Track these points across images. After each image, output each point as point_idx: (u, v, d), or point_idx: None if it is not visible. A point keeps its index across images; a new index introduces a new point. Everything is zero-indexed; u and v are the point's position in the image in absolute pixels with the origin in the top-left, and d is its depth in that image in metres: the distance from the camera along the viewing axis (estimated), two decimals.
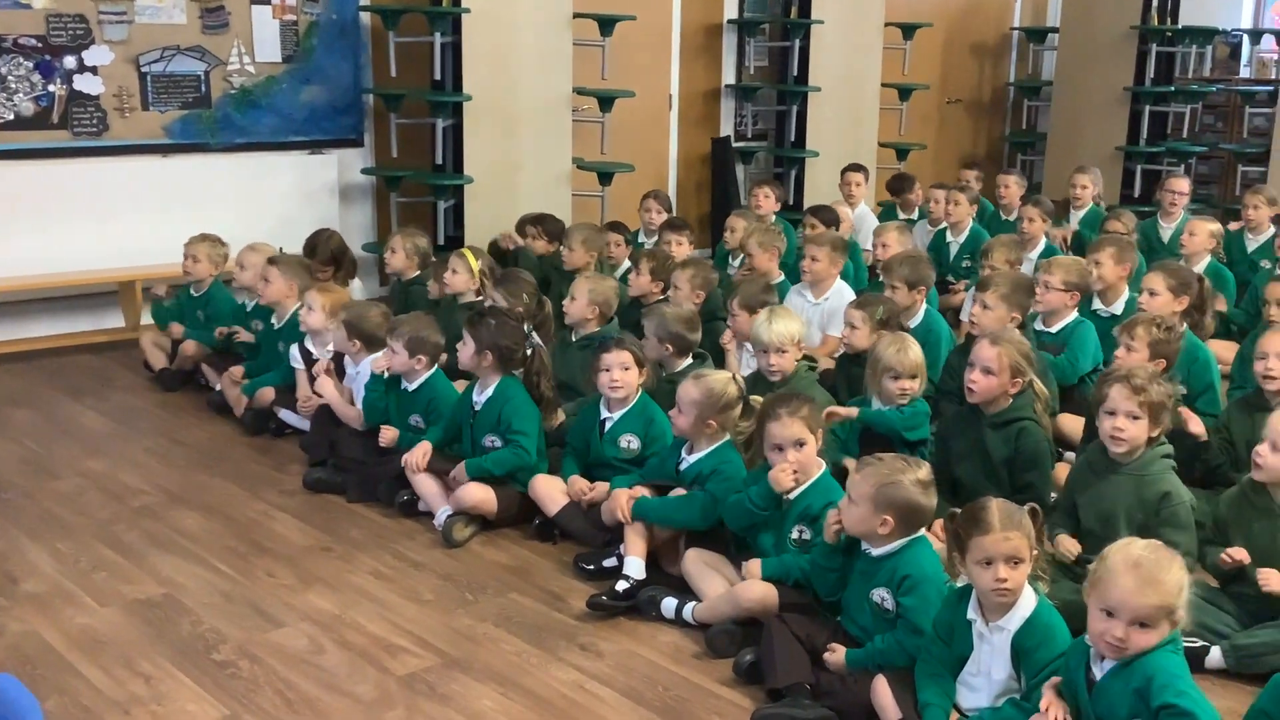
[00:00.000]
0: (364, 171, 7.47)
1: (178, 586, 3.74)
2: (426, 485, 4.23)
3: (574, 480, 4.09)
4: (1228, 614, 3.32)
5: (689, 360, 4.60)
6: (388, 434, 4.45)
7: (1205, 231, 6.36)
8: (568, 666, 3.31)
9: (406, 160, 7.32)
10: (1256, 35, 11.06)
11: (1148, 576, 2.44)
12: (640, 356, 4.19)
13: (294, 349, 5.12)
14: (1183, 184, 7.54)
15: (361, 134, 7.50)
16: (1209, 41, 10.42)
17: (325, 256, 5.97)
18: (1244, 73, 11.04)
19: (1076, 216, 7.72)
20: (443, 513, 4.15)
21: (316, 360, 4.96)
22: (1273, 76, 10.14)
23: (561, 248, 6.21)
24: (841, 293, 5.61)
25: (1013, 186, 8.01)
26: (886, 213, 8.46)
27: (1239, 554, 3.30)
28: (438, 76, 7.16)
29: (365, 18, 7.35)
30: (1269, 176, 8.95)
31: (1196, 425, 4.21)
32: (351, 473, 4.51)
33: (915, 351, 4.12)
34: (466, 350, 4.27)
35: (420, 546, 4.08)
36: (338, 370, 4.88)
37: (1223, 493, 3.60)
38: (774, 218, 7.20)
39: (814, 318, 5.55)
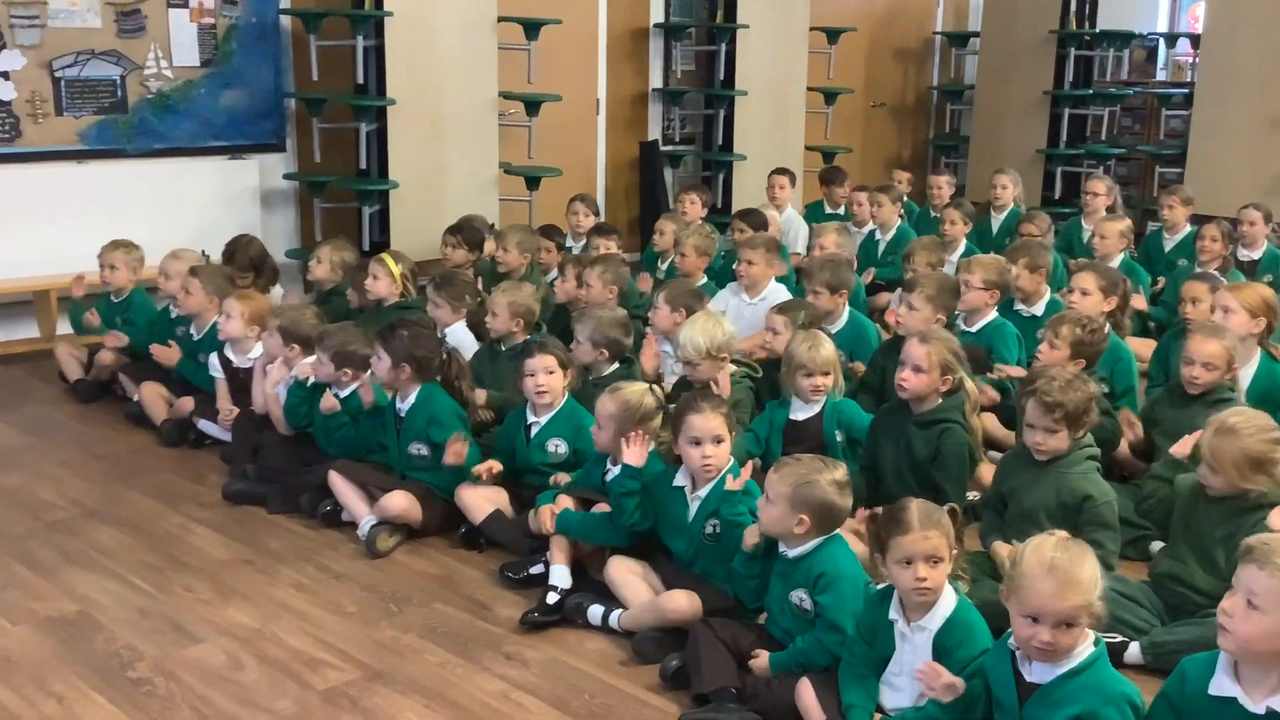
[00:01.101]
0: (286, 177, 7.37)
1: (92, 603, 3.66)
2: (349, 495, 4.17)
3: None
4: (1145, 609, 3.37)
5: (617, 365, 4.59)
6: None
7: (1115, 232, 6.49)
8: (493, 676, 3.27)
9: (330, 165, 7.23)
10: (1172, 39, 11.30)
11: (1065, 578, 2.46)
12: (565, 360, 4.18)
13: (213, 358, 5.03)
14: (1099, 186, 7.70)
15: (283, 139, 7.39)
16: (1126, 45, 10.61)
17: (244, 263, 5.89)
18: (1160, 75, 11.27)
19: (997, 219, 7.83)
20: (366, 522, 4.09)
21: (237, 369, 4.87)
22: (1188, 79, 10.35)
23: (496, 250, 6.16)
24: (778, 294, 5.63)
25: (944, 187, 8.16)
26: (814, 209, 8.53)
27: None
28: (360, 80, 7.08)
29: (285, 21, 7.25)
30: (1185, 177, 9.14)
31: (1135, 430, 4.27)
32: (273, 483, 4.44)
33: (828, 349, 4.16)
34: (383, 365, 4.22)
35: (343, 558, 4.02)
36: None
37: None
38: (700, 222, 7.21)
39: (750, 317, 5.56)
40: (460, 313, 5.03)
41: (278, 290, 6.19)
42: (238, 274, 5.74)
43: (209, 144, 7.09)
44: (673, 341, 4.63)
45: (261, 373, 4.74)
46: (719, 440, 3.43)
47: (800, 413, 4.22)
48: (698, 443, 3.43)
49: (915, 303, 4.78)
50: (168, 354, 5.26)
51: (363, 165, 7.22)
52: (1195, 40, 10.26)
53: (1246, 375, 4.46)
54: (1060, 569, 2.47)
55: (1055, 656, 2.49)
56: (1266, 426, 3.34)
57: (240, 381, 4.93)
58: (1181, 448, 3.55)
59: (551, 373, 4.11)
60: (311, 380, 4.50)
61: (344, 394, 4.44)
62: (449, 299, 5.04)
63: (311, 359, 4.54)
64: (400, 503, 4.07)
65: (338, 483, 4.19)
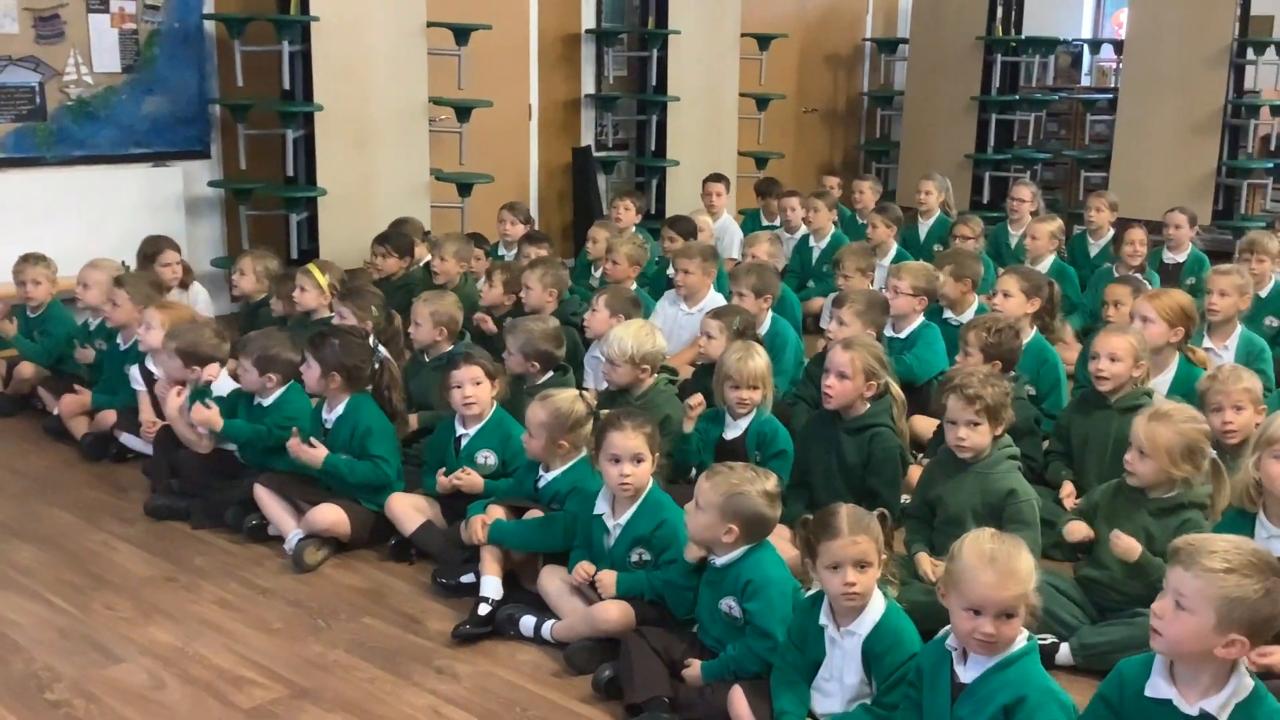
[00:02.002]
0: (211, 184, 7.24)
1: (9, 624, 3.55)
2: (275, 508, 4.10)
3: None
4: (1076, 604, 3.41)
5: (550, 374, 4.55)
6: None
7: (1046, 233, 6.58)
8: (423, 691, 3.23)
9: (256, 172, 7.12)
10: (1096, 45, 11.50)
11: (1004, 569, 2.49)
12: (491, 369, 4.14)
13: (134, 370, 4.91)
14: (1024, 192, 7.81)
15: (208, 145, 7.27)
16: (1051, 51, 10.79)
17: (175, 244, 5.84)
18: (1085, 81, 11.46)
19: (925, 224, 7.92)
20: (294, 536, 4.02)
21: (158, 380, 4.76)
22: (1112, 85, 10.53)
23: (433, 259, 6.11)
24: (716, 302, 5.63)
25: (867, 192, 8.22)
26: (750, 219, 8.57)
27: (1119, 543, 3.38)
28: (287, 86, 6.98)
29: (209, 26, 7.14)
30: (1110, 182, 9.30)
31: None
32: (196, 498, 4.34)
33: (757, 362, 4.10)
34: (312, 373, 4.15)
35: (269, 573, 3.94)
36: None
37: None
38: (634, 229, 7.21)
39: (688, 327, 5.56)
40: (365, 325, 4.93)
41: (199, 290, 6.08)
42: (174, 258, 5.72)
43: (131, 151, 6.95)
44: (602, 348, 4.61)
45: (164, 394, 4.63)
46: (639, 460, 3.39)
47: (730, 430, 4.19)
48: (617, 460, 3.39)
49: (845, 318, 4.81)
50: (86, 355, 5.24)
51: (290, 172, 7.11)
52: (1119, 46, 10.47)
53: (1165, 380, 4.53)
54: (1000, 560, 2.50)
55: (996, 649, 2.51)
56: (1197, 417, 3.43)
57: None
58: (1078, 533, 3.55)
59: (478, 383, 4.06)
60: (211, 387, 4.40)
61: (268, 402, 4.35)
62: (354, 310, 4.95)
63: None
64: (328, 515, 4.00)
65: (263, 496, 4.12)
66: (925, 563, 3.51)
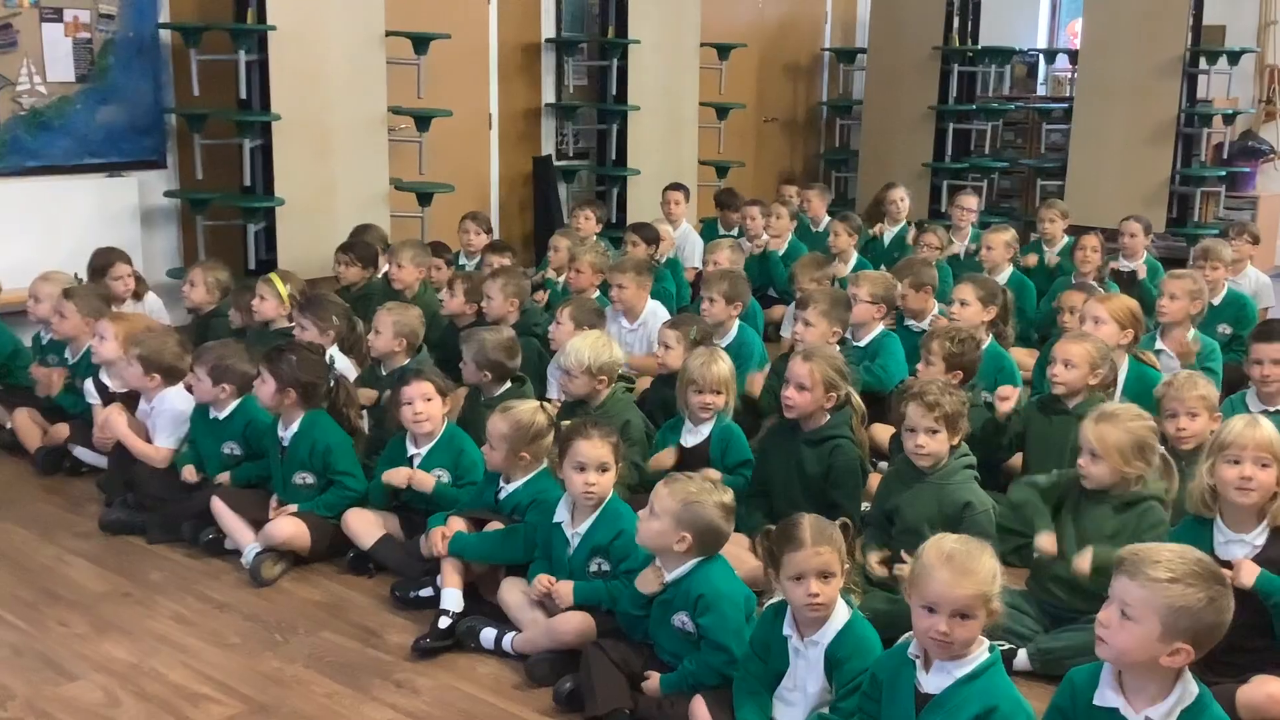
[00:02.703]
0: (167, 194, 7.16)
1: None
2: (233, 522, 4.05)
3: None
4: (1029, 616, 3.43)
5: (507, 385, 4.53)
6: (188, 473, 4.28)
7: (1001, 242, 6.63)
8: (383, 706, 3.20)
9: (213, 182, 7.05)
10: (1051, 55, 11.60)
11: (961, 567, 2.50)
12: (443, 386, 4.11)
13: (88, 383, 4.85)
14: (970, 201, 7.88)
15: (164, 155, 7.19)
16: (1007, 61, 10.88)
17: (127, 258, 5.77)
18: (1040, 91, 11.57)
19: (891, 232, 7.98)
20: (251, 550, 3.98)
21: (114, 394, 4.70)
22: (1067, 94, 10.63)
23: (390, 267, 6.07)
24: (656, 313, 5.64)
25: (814, 200, 8.27)
26: (708, 228, 8.58)
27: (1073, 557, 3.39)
28: (244, 95, 6.91)
29: (165, 35, 7.06)
30: (1065, 190, 9.40)
31: None
32: (152, 512, 4.29)
33: (721, 367, 4.12)
34: (266, 388, 4.10)
35: (226, 587, 3.90)
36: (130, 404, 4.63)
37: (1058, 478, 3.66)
38: (595, 238, 7.21)
39: (633, 343, 5.55)
40: (328, 335, 4.90)
41: (153, 298, 6.01)
42: (125, 270, 5.64)
43: (86, 161, 6.86)
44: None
45: (123, 405, 4.57)
46: (604, 469, 3.38)
47: (690, 437, 4.19)
48: (582, 469, 3.38)
49: (810, 318, 4.83)
50: (47, 379, 5.05)
51: (247, 182, 7.05)
52: (1074, 56, 10.56)
53: (1118, 381, 4.56)
54: (957, 559, 2.52)
55: (951, 650, 2.51)
56: (1143, 414, 3.48)
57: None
58: (1048, 546, 3.52)
59: (429, 399, 4.03)
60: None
61: (223, 415, 4.31)
62: (315, 321, 4.91)
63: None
64: (286, 529, 3.96)
65: (220, 509, 4.08)
66: (873, 559, 3.54)
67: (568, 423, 3.65)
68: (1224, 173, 9.73)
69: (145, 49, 7.01)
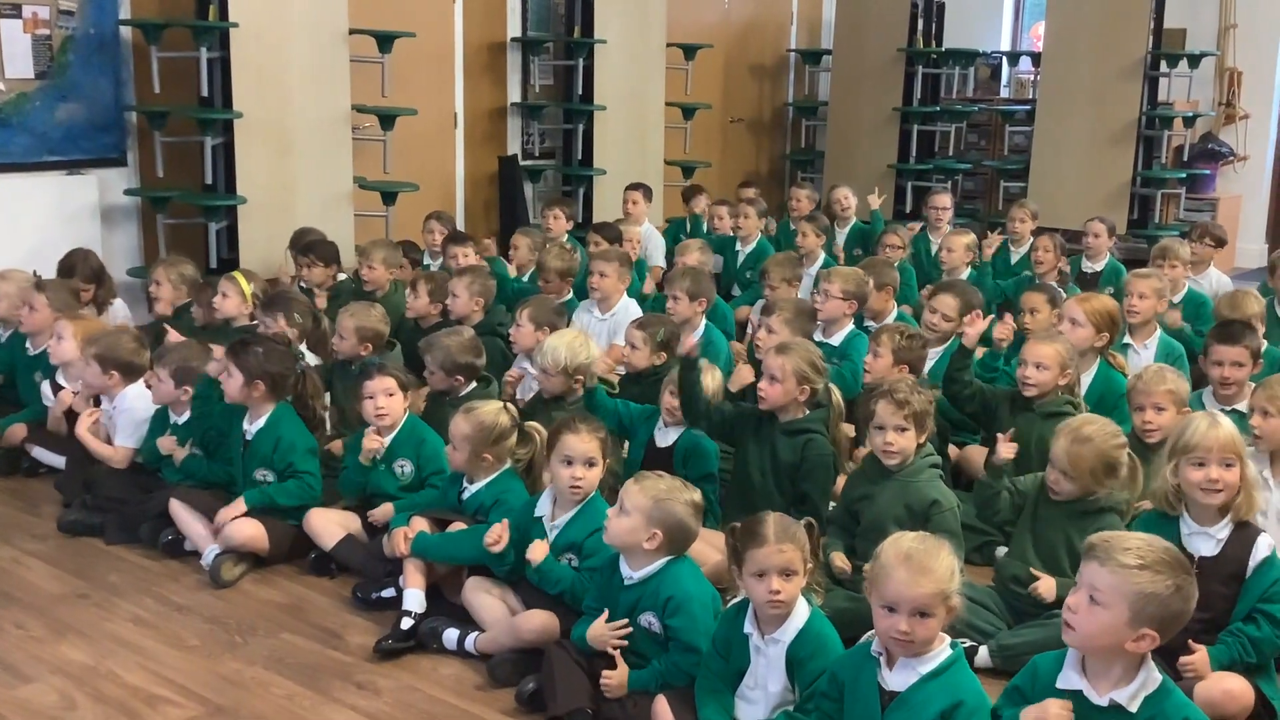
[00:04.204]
0: (127, 192, 7.08)
1: None
2: (192, 523, 4.01)
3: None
4: (992, 613, 3.45)
5: (473, 385, 4.52)
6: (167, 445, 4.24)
7: (961, 245, 6.67)
8: (343, 707, 3.18)
9: (174, 180, 6.99)
10: (1015, 57, 11.68)
11: (919, 566, 2.52)
12: (405, 380, 4.12)
13: (45, 385, 4.79)
14: (944, 200, 7.93)
15: (124, 153, 7.11)
16: (971, 63, 10.96)
17: (87, 274, 5.68)
18: (1004, 93, 11.65)
19: (842, 232, 8.02)
20: (211, 551, 3.94)
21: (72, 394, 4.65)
22: (1030, 96, 10.71)
23: (361, 267, 6.04)
24: (628, 309, 5.64)
25: (803, 200, 8.32)
26: (676, 226, 8.59)
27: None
28: (205, 93, 6.86)
29: (126, 32, 6.99)
30: (1028, 191, 9.46)
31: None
32: (111, 513, 4.24)
33: (704, 379, 4.10)
34: (234, 382, 4.07)
35: (185, 589, 3.86)
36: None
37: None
38: (566, 238, 7.21)
39: (601, 333, 5.55)
40: (293, 332, 4.86)
41: (119, 305, 5.94)
42: (82, 285, 5.53)
43: (45, 159, 6.77)
44: (533, 359, 4.59)
45: (85, 405, 4.52)
46: (591, 463, 3.39)
47: (662, 437, 4.19)
48: (569, 463, 3.38)
49: (774, 326, 4.85)
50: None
51: (209, 180, 6.98)
52: (1036, 58, 10.65)
53: (1085, 381, 4.60)
54: (915, 558, 2.53)
55: (913, 649, 2.53)
56: (1115, 433, 3.50)
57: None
58: (1006, 452, 3.62)
59: (391, 395, 4.04)
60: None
61: (183, 419, 4.27)
62: (282, 318, 4.87)
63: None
64: (246, 530, 3.93)
65: (179, 510, 4.03)
66: (838, 559, 3.56)
67: (535, 426, 3.64)
68: (1184, 175, 9.83)
69: (105, 46, 6.94)
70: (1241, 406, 4.20)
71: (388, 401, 4.02)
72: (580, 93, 9.09)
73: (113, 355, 4.41)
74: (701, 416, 4.06)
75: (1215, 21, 10.29)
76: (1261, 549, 3.07)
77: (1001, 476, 3.60)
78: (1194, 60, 9.53)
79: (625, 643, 3.06)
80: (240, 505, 3.96)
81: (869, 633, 2.68)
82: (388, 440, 4.07)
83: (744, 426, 4.10)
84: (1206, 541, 3.12)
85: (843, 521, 3.74)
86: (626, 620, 3.07)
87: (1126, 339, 5.13)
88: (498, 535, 3.40)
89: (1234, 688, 2.96)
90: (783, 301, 5.09)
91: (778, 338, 4.78)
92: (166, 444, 4.23)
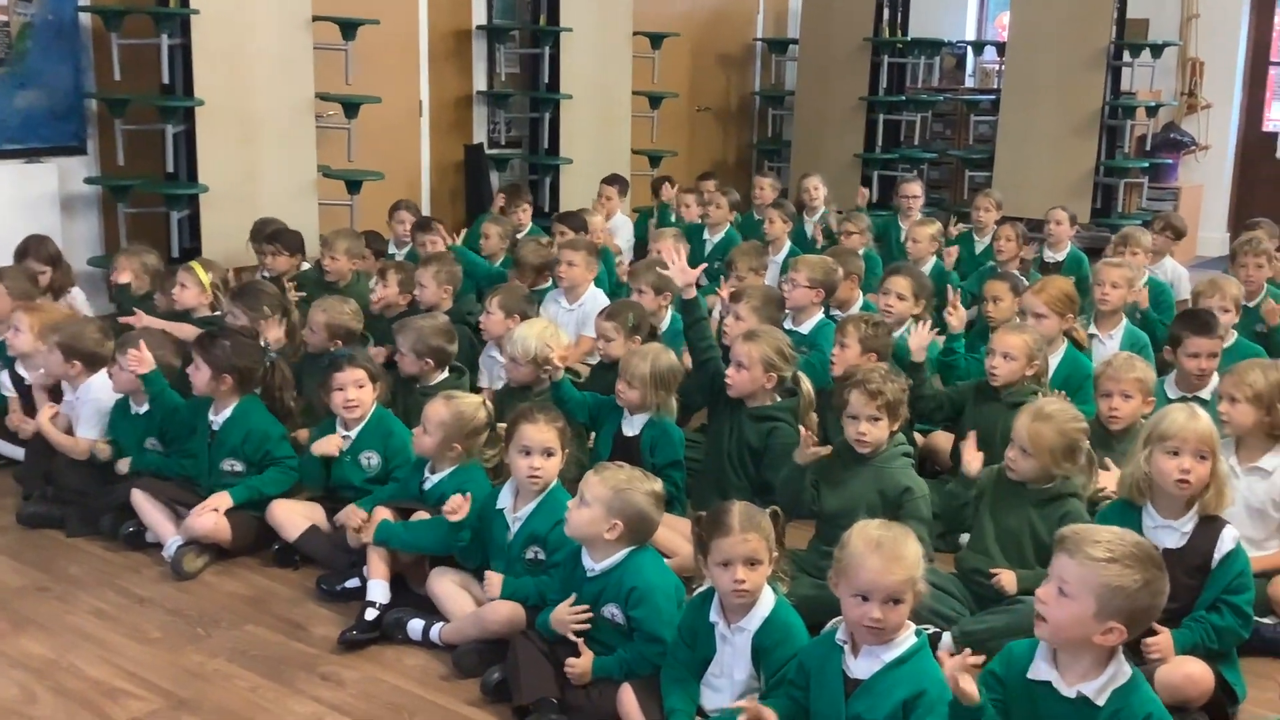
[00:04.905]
0: (88, 181, 7.00)
1: None
2: (154, 514, 3.97)
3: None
4: (955, 598, 3.47)
5: (445, 374, 4.49)
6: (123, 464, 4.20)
7: (926, 235, 6.70)
8: (307, 699, 3.16)
9: (135, 169, 6.91)
10: (979, 46, 11.73)
11: (890, 554, 2.54)
12: (375, 372, 4.09)
13: (4, 375, 4.73)
14: (915, 188, 7.96)
15: (84, 141, 7.03)
16: (936, 53, 11.00)
17: (44, 257, 5.62)
18: (969, 82, 11.69)
19: (809, 221, 8.05)
20: (173, 543, 3.90)
21: (29, 385, 4.59)
22: (995, 86, 10.76)
23: (323, 257, 6.00)
24: (596, 299, 5.62)
25: (766, 189, 8.31)
26: (646, 216, 8.58)
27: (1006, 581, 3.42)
28: (166, 80, 6.79)
29: (85, 18, 6.90)
30: (993, 181, 9.50)
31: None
32: (71, 504, 4.19)
33: (641, 365, 4.06)
34: (201, 375, 4.04)
35: (147, 581, 3.82)
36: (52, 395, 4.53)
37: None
38: (537, 239, 7.19)
39: (568, 323, 5.53)
40: (260, 323, 4.81)
41: (77, 293, 5.87)
42: (37, 268, 5.46)
43: (3, 147, 6.67)
44: (503, 347, 4.57)
45: (43, 396, 4.47)
46: (549, 453, 3.38)
47: (629, 426, 4.16)
48: (527, 453, 3.37)
49: (741, 313, 4.84)
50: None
51: (170, 169, 6.91)
52: (1001, 48, 10.70)
53: (1053, 362, 4.62)
54: (886, 546, 2.55)
55: (884, 636, 2.55)
56: (1077, 415, 3.52)
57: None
58: (974, 464, 3.63)
59: (361, 386, 4.02)
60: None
61: (144, 409, 4.23)
62: (248, 310, 4.83)
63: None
64: (208, 521, 3.88)
65: (141, 502, 4.00)
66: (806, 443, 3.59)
67: (503, 425, 3.63)
68: (1147, 164, 9.92)
69: (65, 32, 6.85)
70: (1205, 394, 4.24)
71: (358, 393, 4.01)
72: (547, 81, 9.06)
73: (77, 345, 4.35)
74: (709, 350, 4.19)
75: (1178, 12, 10.39)
76: (1226, 541, 3.10)
77: (970, 487, 3.62)
78: (1156, 50, 9.61)
79: (587, 626, 3.06)
80: (226, 500, 3.91)
81: (834, 620, 2.69)
82: (354, 432, 4.04)
83: (712, 411, 4.11)
84: (1171, 534, 3.14)
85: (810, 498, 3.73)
86: (588, 606, 3.07)
87: (1093, 329, 5.17)
88: (457, 504, 3.39)
89: (1194, 672, 2.98)
90: (751, 288, 5.09)
91: (745, 325, 4.78)
92: (101, 449, 4.20)
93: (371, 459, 4.01)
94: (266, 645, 3.43)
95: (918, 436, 4.67)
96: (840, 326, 4.57)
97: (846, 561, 2.58)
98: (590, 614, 3.06)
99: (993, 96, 10.40)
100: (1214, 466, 3.13)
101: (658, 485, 3.09)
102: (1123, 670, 2.46)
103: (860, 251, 6.50)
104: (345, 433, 4.05)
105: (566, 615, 3.07)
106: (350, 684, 3.23)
